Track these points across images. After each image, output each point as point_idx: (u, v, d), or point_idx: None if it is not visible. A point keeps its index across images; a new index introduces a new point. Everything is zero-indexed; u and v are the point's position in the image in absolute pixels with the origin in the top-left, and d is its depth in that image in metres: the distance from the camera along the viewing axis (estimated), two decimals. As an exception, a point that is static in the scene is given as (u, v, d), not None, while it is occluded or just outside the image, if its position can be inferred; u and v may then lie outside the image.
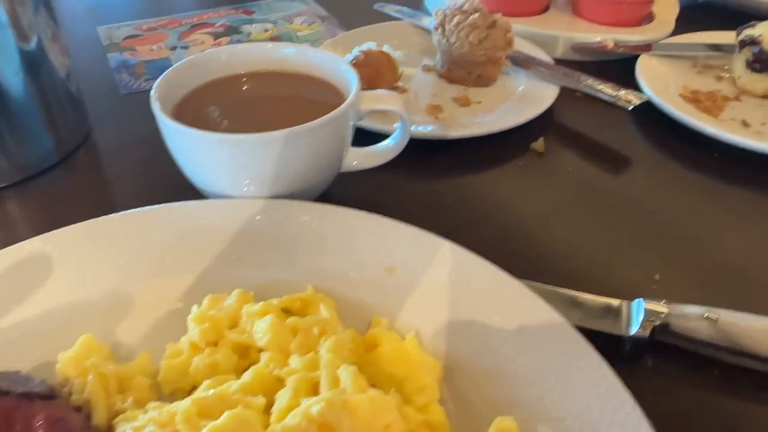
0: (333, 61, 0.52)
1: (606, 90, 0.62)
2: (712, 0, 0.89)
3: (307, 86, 0.52)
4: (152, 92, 0.47)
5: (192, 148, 0.46)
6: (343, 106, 0.46)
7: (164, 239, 0.44)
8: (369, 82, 0.62)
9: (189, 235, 0.44)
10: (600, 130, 0.63)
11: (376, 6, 0.82)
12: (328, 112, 0.45)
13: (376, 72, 0.63)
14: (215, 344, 0.38)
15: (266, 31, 0.81)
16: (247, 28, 0.82)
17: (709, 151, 0.60)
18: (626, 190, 0.56)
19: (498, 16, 0.65)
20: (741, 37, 0.66)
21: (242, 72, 0.52)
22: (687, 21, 0.81)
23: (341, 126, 0.47)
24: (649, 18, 0.78)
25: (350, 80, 0.49)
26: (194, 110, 0.48)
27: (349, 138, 0.50)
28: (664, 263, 0.49)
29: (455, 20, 0.65)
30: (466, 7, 0.66)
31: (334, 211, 0.45)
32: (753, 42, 0.64)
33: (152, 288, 0.42)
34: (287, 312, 0.40)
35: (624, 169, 0.59)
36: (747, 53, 0.65)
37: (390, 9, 0.81)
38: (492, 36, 0.64)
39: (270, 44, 0.53)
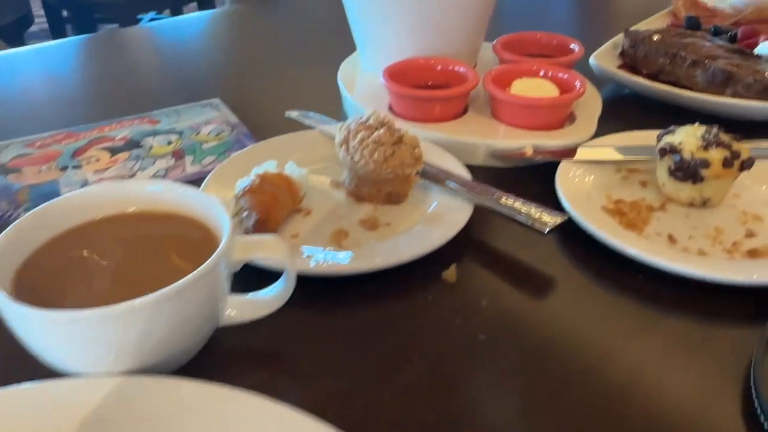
0: (205, 200, 0.47)
1: (522, 210, 0.57)
2: (637, 92, 0.87)
3: (176, 229, 0.46)
4: (-14, 257, 0.41)
5: (27, 327, 0.39)
6: (208, 263, 0.40)
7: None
8: (264, 210, 0.56)
9: (22, 426, 0.37)
10: (518, 252, 0.58)
11: (287, 114, 0.78)
12: (200, 262, 0.40)
13: (273, 198, 0.57)
14: None
15: (169, 143, 0.76)
16: (149, 141, 0.76)
17: (636, 271, 0.55)
18: (544, 328, 0.51)
19: (405, 131, 0.61)
20: (661, 144, 0.62)
21: (98, 217, 0.46)
22: (611, 117, 0.78)
23: (209, 283, 0.41)
24: (571, 119, 0.75)
25: (224, 224, 0.44)
26: (37, 276, 0.42)
27: (225, 290, 0.44)
28: (587, 418, 0.43)
29: (359, 137, 0.60)
30: (371, 121, 0.61)
31: (194, 389, 0.39)
32: (673, 150, 0.60)
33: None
34: None
35: (543, 299, 0.54)
36: (668, 161, 0.61)
37: (302, 116, 0.77)
38: (398, 153, 0.60)
39: (132, 182, 0.48)
